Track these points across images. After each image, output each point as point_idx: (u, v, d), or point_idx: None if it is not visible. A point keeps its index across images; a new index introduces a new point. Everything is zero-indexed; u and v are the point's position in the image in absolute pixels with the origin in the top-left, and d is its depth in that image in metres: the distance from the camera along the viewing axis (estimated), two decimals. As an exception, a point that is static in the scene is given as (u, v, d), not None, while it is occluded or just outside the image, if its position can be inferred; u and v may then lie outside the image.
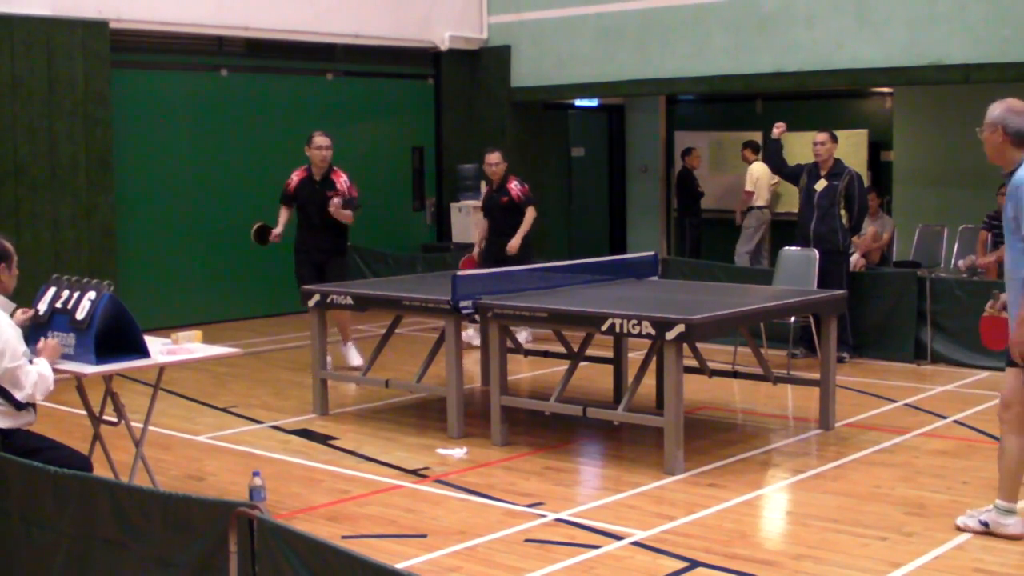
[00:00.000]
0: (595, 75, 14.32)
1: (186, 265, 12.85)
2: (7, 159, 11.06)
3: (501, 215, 10.89)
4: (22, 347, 5.20)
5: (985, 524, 5.71)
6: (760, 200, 14.59)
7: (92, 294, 5.74)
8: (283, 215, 10.25)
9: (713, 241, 15.71)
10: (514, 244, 10.70)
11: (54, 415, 8.06)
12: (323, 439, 7.84)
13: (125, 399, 6.36)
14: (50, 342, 5.62)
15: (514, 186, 10.89)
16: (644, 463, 7.08)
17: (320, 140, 9.99)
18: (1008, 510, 5.66)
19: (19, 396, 5.17)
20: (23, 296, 5.93)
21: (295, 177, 10.13)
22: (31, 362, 5.31)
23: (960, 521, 5.81)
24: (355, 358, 10.05)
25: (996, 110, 5.53)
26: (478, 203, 14.46)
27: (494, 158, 10.92)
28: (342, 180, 9.98)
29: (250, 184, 13.10)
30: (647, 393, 8.11)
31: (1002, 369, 10.00)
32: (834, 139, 10.34)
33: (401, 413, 8.72)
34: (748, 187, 14.52)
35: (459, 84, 15.14)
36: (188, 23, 12.43)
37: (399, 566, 3.85)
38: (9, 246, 5.40)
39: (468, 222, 13.19)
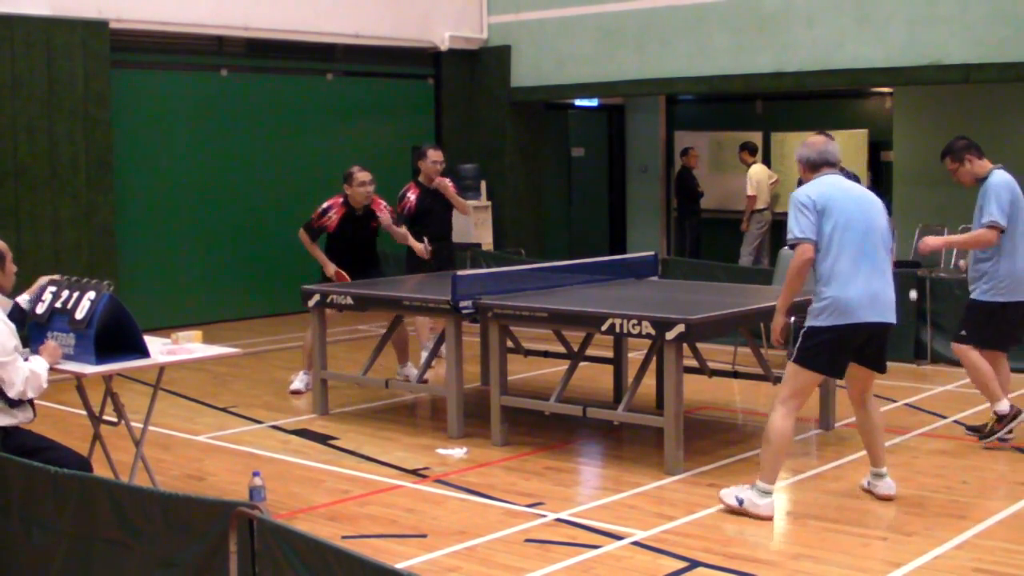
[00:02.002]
0: (595, 75, 14.31)
1: (186, 265, 12.85)
2: (7, 159, 11.05)
3: (445, 214, 10.17)
4: (13, 342, 5.20)
5: (741, 501, 6.00)
6: (760, 202, 14.60)
7: (92, 294, 5.74)
8: (317, 249, 9.28)
9: (713, 241, 15.71)
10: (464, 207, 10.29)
11: (54, 415, 8.07)
12: (323, 439, 7.84)
13: (125, 399, 6.35)
14: (49, 344, 5.62)
15: (450, 183, 10.30)
16: (644, 463, 7.08)
17: (362, 176, 9.13)
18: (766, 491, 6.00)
19: (10, 393, 5.18)
20: (23, 296, 5.95)
21: (335, 216, 9.16)
22: (25, 359, 5.32)
23: (723, 493, 6.11)
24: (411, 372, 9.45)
25: (798, 148, 6.32)
26: (479, 203, 14.49)
27: (441, 155, 10.13)
28: (382, 206, 9.30)
29: (250, 184, 13.10)
30: (647, 393, 8.10)
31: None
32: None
33: (401, 413, 8.72)
34: (750, 191, 14.51)
35: (459, 84, 15.13)
36: (188, 23, 12.43)
37: (399, 566, 3.85)
38: (2, 244, 5.40)
39: (468, 222, 13.18)
